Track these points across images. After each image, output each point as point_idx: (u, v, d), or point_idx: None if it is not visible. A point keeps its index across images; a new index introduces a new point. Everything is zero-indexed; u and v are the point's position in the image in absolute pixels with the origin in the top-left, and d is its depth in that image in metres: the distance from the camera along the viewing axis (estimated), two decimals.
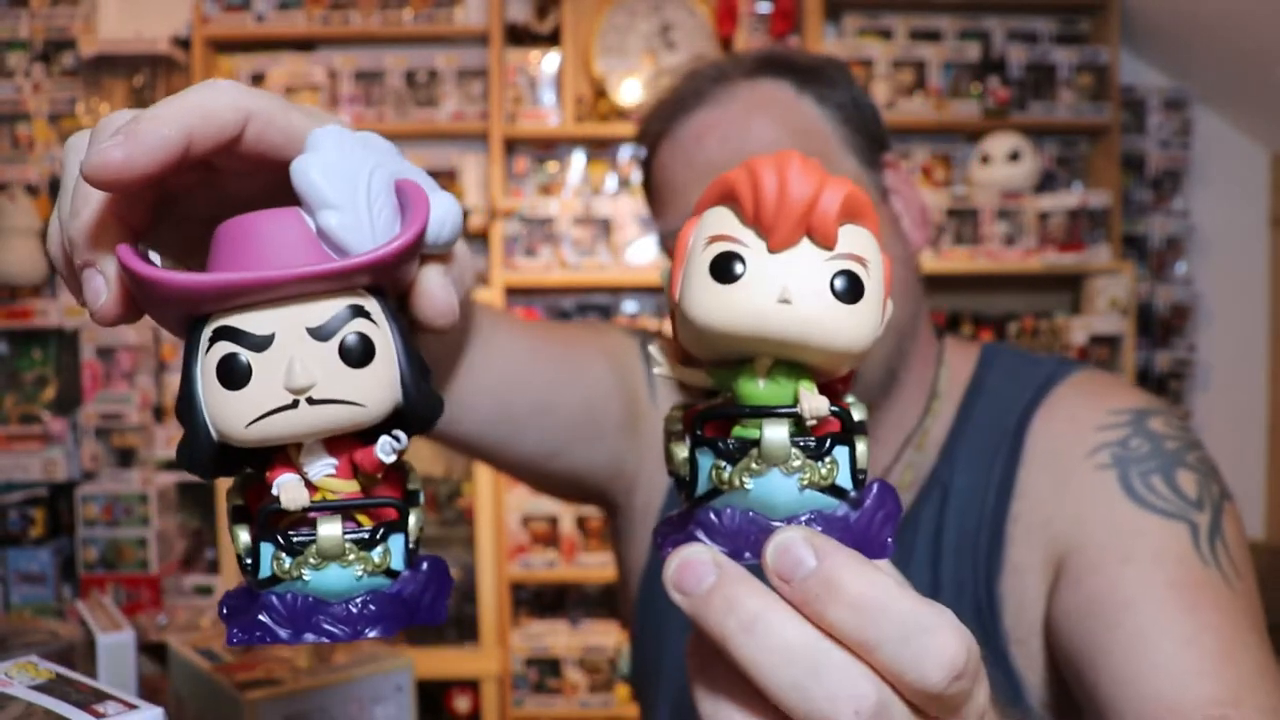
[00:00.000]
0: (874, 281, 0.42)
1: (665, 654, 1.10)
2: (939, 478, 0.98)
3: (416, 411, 0.45)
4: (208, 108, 0.44)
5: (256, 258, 0.41)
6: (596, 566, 3.55)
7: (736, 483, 0.43)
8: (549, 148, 3.78)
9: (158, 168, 0.41)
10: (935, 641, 0.38)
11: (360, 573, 0.44)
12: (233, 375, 0.41)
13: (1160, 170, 3.86)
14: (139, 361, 3.46)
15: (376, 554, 0.44)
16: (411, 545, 0.46)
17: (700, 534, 0.43)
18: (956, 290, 3.75)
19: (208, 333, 0.42)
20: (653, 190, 1.08)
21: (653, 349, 0.49)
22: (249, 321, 0.41)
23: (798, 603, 0.39)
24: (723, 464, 0.43)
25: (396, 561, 0.45)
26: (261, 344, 0.41)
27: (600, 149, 3.81)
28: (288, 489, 0.43)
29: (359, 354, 0.42)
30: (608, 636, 3.60)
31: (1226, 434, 3.91)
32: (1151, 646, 0.77)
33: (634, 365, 1.11)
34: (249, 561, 0.45)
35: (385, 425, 0.44)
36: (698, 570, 0.41)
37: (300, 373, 0.41)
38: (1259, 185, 3.94)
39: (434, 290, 0.47)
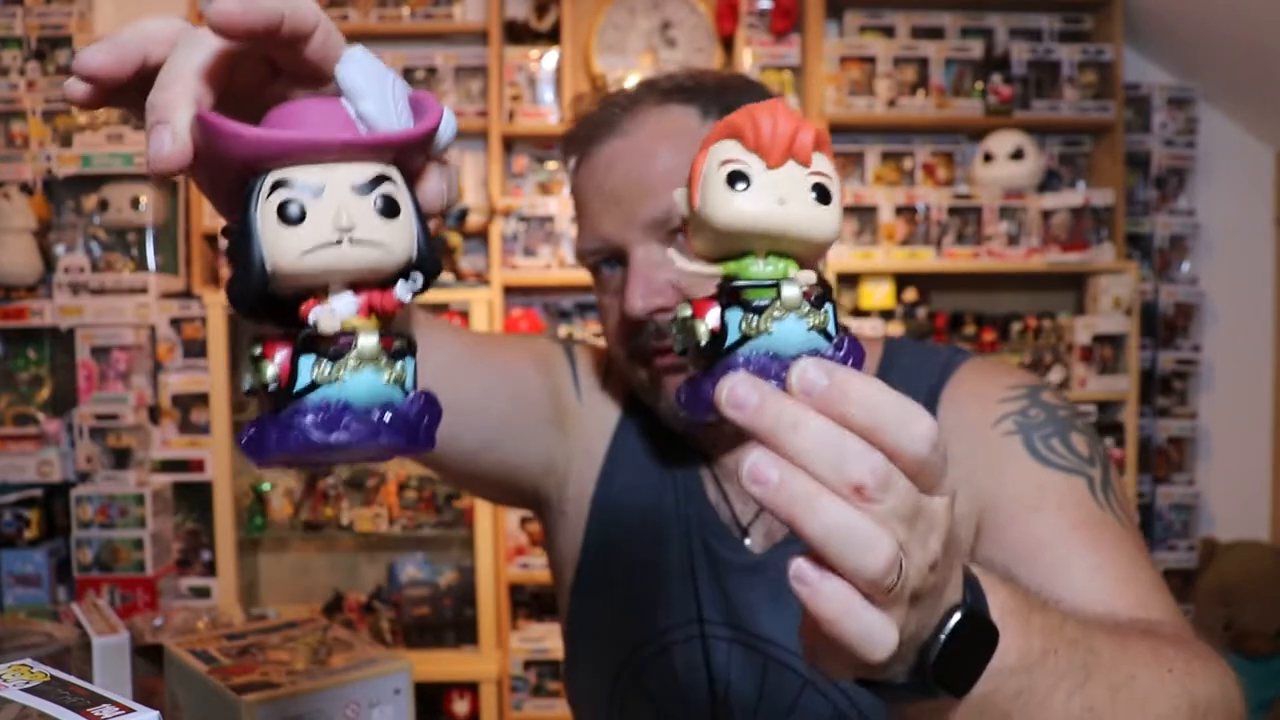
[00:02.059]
0: (837, 190, 0.58)
1: (601, 638, 1.18)
2: None
3: (426, 265, 0.55)
4: (297, 3, 0.54)
5: (303, 121, 0.52)
6: None
7: (764, 327, 0.58)
8: (548, 146, 3.76)
9: (261, 29, 0.52)
10: (920, 422, 0.54)
11: (387, 378, 0.54)
12: (290, 216, 0.50)
13: (1164, 169, 3.85)
14: (134, 362, 3.43)
15: (399, 365, 0.55)
16: (410, 371, 0.56)
17: (738, 368, 0.57)
18: (959, 290, 3.73)
19: (269, 182, 0.51)
20: (574, 206, 1.15)
21: (672, 251, 0.64)
22: (304, 175, 0.51)
23: (820, 408, 0.53)
24: (751, 316, 0.58)
25: (408, 380, 0.56)
26: (315, 192, 0.51)
27: None
28: (325, 316, 0.52)
29: (390, 208, 0.52)
30: None
31: (1231, 434, 3.90)
32: (1068, 575, 0.90)
33: (561, 369, 1.23)
34: (275, 384, 0.53)
35: (398, 276, 0.55)
36: (747, 390, 0.53)
37: (346, 216, 0.51)
38: (1264, 184, 3.92)
39: (434, 180, 0.58)
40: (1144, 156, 3.84)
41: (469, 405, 1.11)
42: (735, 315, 0.58)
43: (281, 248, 0.51)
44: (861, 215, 3.64)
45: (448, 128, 0.57)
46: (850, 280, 3.60)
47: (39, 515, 3.42)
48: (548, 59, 3.66)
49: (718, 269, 0.60)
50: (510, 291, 3.65)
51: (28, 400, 3.55)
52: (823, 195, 0.57)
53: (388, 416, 0.54)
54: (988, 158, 3.64)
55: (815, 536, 0.52)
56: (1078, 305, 3.76)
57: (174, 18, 0.58)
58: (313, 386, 0.52)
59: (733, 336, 0.58)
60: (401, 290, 0.54)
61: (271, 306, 0.54)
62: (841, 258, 3.54)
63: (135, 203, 3.46)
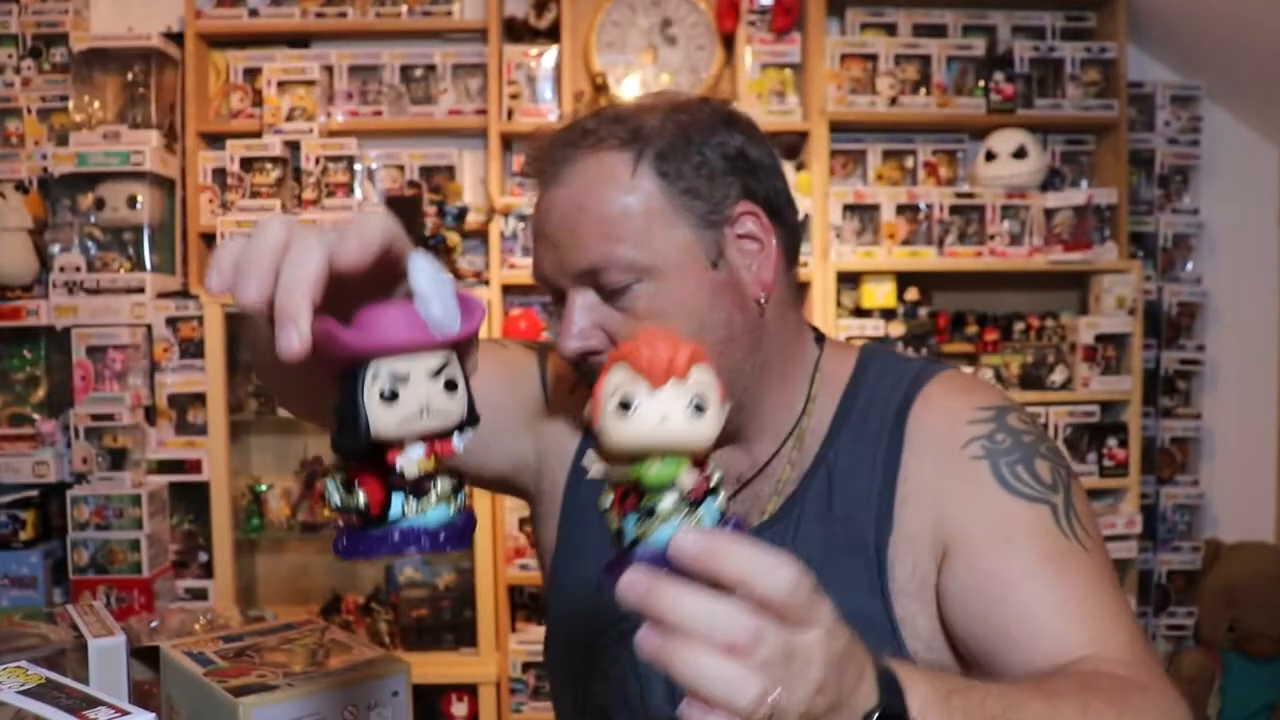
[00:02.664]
0: (714, 399, 0.70)
1: (570, 622, 1.29)
2: (823, 459, 1.15)
3: (473, 422, 0.76)
4: (389, 229, 0.70)
5: (393, 329, 0.70)
6: None
7: (648, 533, 0.71)
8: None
9: (370, 261, 0.69)
10: (780, 571, 0.65)
11: (451, 509, 0.75)
12: (388, 397, 0.70)
13: (1168, 167, 3.84)
14: (131, 361, 3.42)
15: (459, 498, 0.76)
16: (462, 499, 0.77)
17: (634, 565, 0.69)
18: (961, 289, 3.72)
19: (372, 371, 0.70)
20: None
21: (586, 460, 0.76)
22: (395, 366, 0.70)
23: (699, 573, 0.66)
24: (640, 522, 0.71)
25: (460, 501, 0.76)
26: (403, 379, 0.70)
27: None
28: (409, 465, 0.72)
29: (451, 386, 0.72)
30: None
31: (1235, 435, 3.89)
32: (1034, 616, 0.98)
33: (530, 376, 1.34)
34: (362, 510, 0.73)
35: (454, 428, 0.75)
36: (638, 584, 0.67)
37: (425, 397, 0.71)
38: (1269, 182, 3.91)
39: (473, 353, 0.78)
40: (1147, 155, 3.82)
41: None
42: (630, 522, 0.72)
43: (382, 420, 0.70)
44: (863, 214, 3.63)
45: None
46: (852, 279, 3.59)
47: (34, 516, 3.40)
48: (547, 57, 3.64)
49: (626, 470, 0.71)
50: (509, 291, 3.63)
51: (23, 400, 3.53)
52: (699, 407, 0.69)
53: (447, 533, 0.75)
54: (990, 156, 3.62)
55: (691, 684, 0.64)
56: (1081, 305, 3.74)
57: (278, 220, 0.70)
58: (402, 517, 0.73)
59: (629, 538, 0.72)
60: (457, 441, 0.75)
61: (370, 448, 0.72)
62: (843, 257, 3.53)
63: (131, 201, 3.45)
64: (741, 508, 1.18)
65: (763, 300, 1.15)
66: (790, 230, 1.19)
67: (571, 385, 1.31)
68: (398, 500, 0.73)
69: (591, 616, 1.23)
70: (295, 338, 0.65)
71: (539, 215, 1.15)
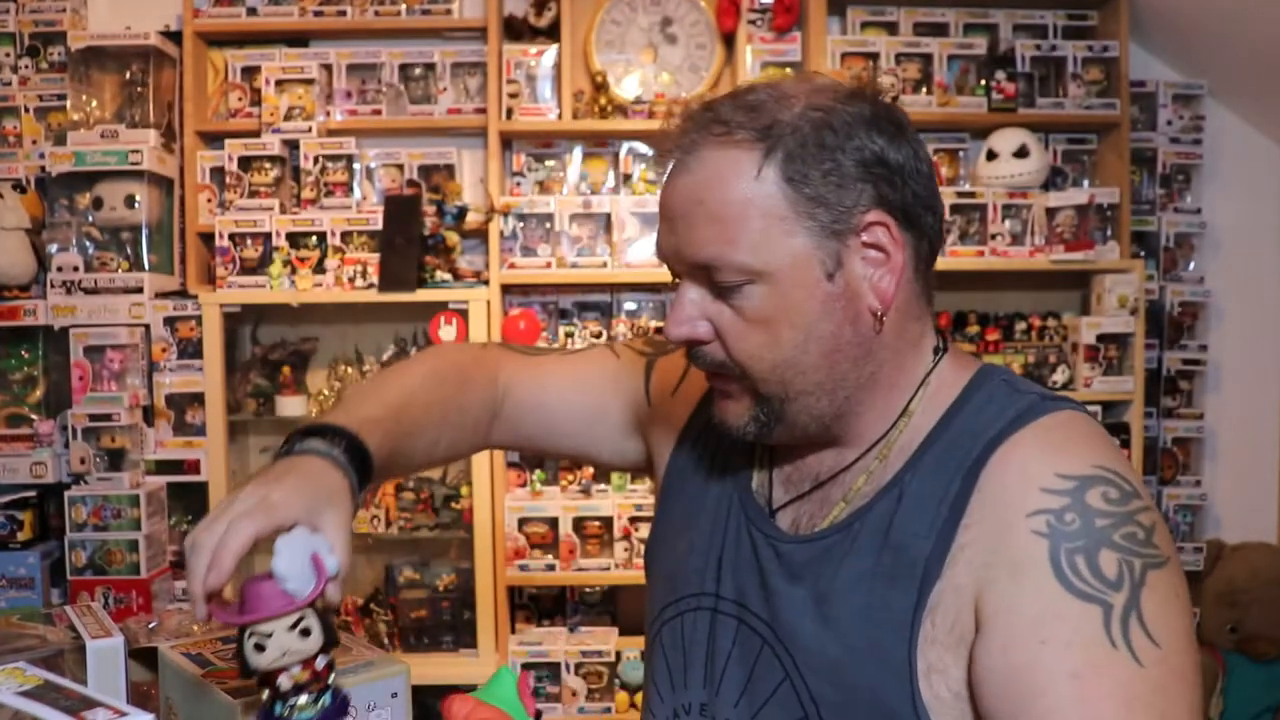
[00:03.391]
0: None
1: (650, 589, 1.38)
2: (900, 480, 1.09)
3: (330, 642, 0.99)
4: (244, 543, 0.96)
5: (264, 601, 0.95)
6: (595, 570, 3.51)
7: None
8: (547, 144, 3.74)
9: (227, 578, 0.96)
10: None
11: (317, 707, 1.00)
12: (260, 648, 0.95)
13: (1171, 166, 3.83)
14: (129, 361, 3.41)
15: (324, 696, 1.00)
16: (332, 694, 1.02)
17: None
18: (962, 288, 3.71)
19: (248, 632, 0.95)
20: None
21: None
22: (264, 628, 0.95)
23: None
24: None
25: (328, 700, 1.01)
26: (269, 635, 0.95)
27: (599, 145, 3.76)
28: (285, 679, 0.97)
29: (305, 632, 0.96)
30: (606, 642, 3.55)
31: (1238, 435, 3.88)
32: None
33: (636, 385, 1.43)
34: (268, 702, 0.99)
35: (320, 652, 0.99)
36: None
37: (285, 646, 0.96)
38: (1272, 181, 3.90)
39: (331, 590, 1.00)
40: (1150, 154, 3.81)
41: (567, 427, 1.45)
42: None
43: (256, 661, 0.95)
44: None
45: (335, 576, 1.00)
46: None
47: (32, 517, 3.39)
48: (547, 56, 3.64)
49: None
50: (509, 290, 3.63)
51: (21, 401, 3.52)
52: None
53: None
54: (991, 155, 3.61)
55: None
56: (1083, 305, 3.73)
57: (190, 545, 0.99)
58: (281, 711, 0.99)
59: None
60: (320, 661, 0.99)
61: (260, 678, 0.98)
62: None
63: (130, 201, 3.44)
64: (808, 508, 1.17)
65: (879, 313, 1.10)
66: (927, 237, 1.13)
67: (672, 389, 1.39)
68: (279, 706, 0.98)
69: (662, 588, 1.30)
70: (202, 612, 0.96)
71: (664, 196, 1.12)
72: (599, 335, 3.62)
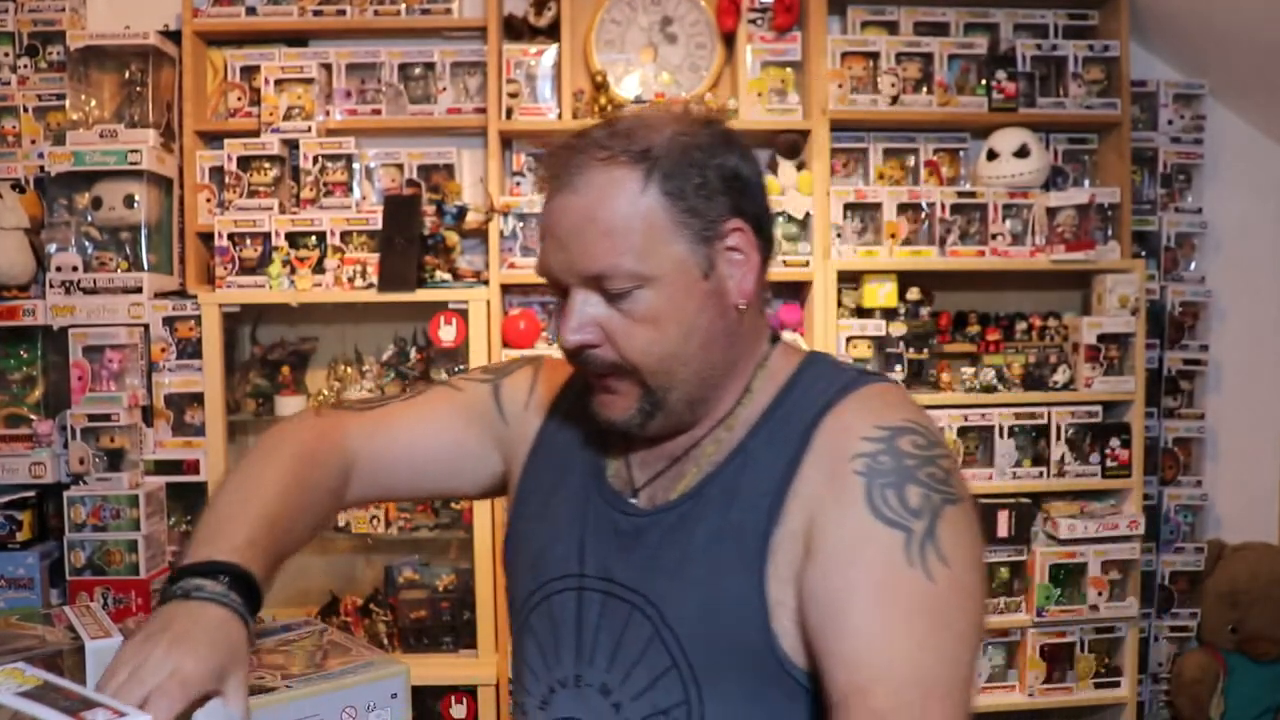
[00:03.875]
0: None
1: (512, 580, 1.45)
2: (745, 447, 1.27)
3: None
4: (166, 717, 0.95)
5: None
6: None
7: None
8: (547, 143, 3.71)
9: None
10: None
11: None
12: None
13: (1171, 166, 3.83)
14: (128, 361, 3.40)
15: None
16: None
17: None
18: (963, 288, 3.70)
19: None
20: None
21: None
22: None
23: None
24: None
25: None
26: None
27: None
28: None
29: None
30: None
31: (1239, 435, 3.88)
32: (847, 638, 1.07)
33: (487, 412, 1.51)
34: None
35: None
36: None
37: None
38: (1273, 181, 3.90)
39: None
40: (1151, 154, 3.82)
41: (428, 469, 1.49)
42: None
43: None
44: (864, 213, 3.61)
45: None
46: (853, 279, 3.57)
47: (31, 517, 3.39)
48: (547, 55, 3.63)
49: None
50: (508, 290, 3.62)
51: (20, 401, 3.51)
52: None
53: None
54: (992, 155, 3.61)
55: None
56: (1083, 304, 3.73)
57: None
58: None
59: None
60: None
61: None
62: (844, 257, 3.51)
63: (129, 200, 3.43)
64: (664, 483, 1.31)
65: (742, 307, 1.27)
66: (769, 242, 1.31)
67: (524, 405, 1.51)
68: None
69: (527, 576, 1.38)
70: None
71: (550, 216, 1.24)
72: None
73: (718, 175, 1.24)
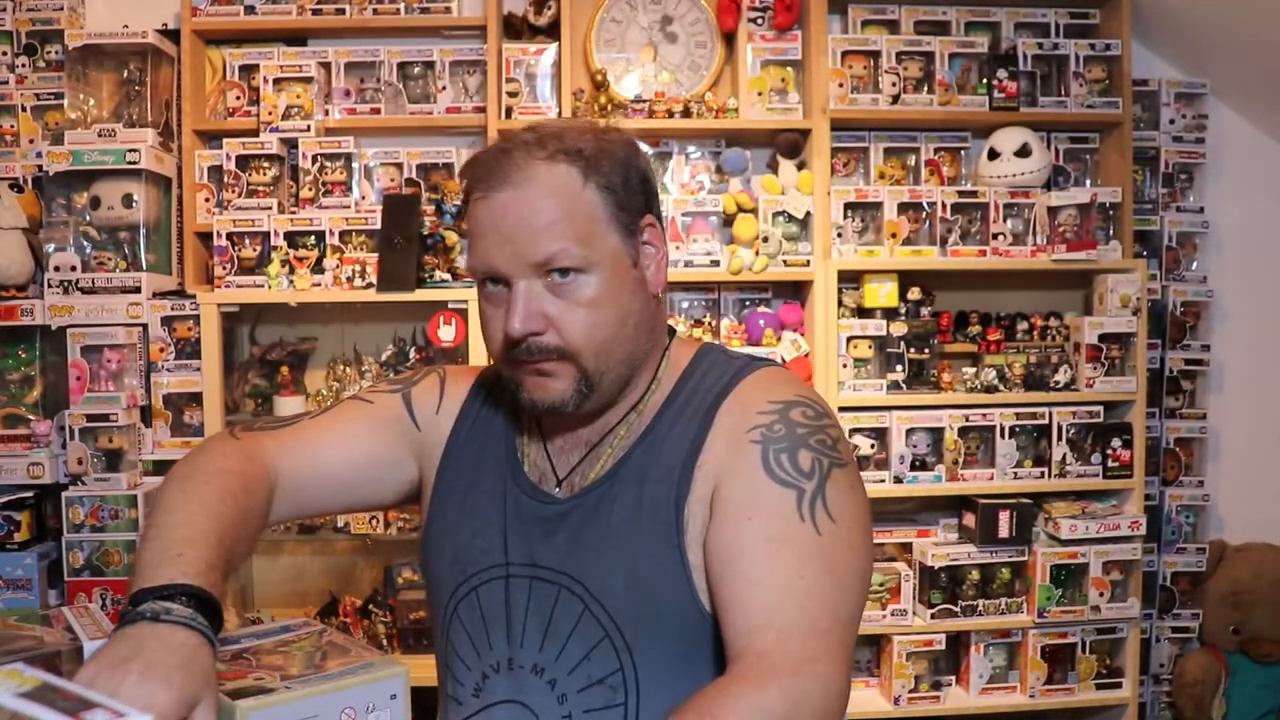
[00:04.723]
0: None
1: (443, 574, 1.49)
2: (651, 431, 1.39)
3: None
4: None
5: None
6: None
7: None
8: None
9: None
10: None
11: None
12: None
13: (1173, 165, 3.82)
14: (126, 361, 3.39)
15: None
16: None
17: None
18: (964, 288, 3.70)
19: None
20: (468, 224, 1.40)
21: None
22: None
23: None
24: None
25: None
26: None
27: None
28: None
29: None
30: None
31: (1241, 436, 3.88)
32: (741, 585, 1.19)
33: (400, 416, 1.57)
34: None
35: None
36: None
37: None
38: (1275, 180, 3.90)
39: None
40: (1152, 153, 3.81)
41: (349, 478, 1.53)
42: None
43: None
44: (865, 213, 3.60)
45: None
46: (853, 279, 3.56)
47: (29, 517, 3.38)
48: (546, 55, 3.62)
49: None
50: None
51: (18, 401, 3.51)
52: None
53: None
54: (993, 154, 3.60)
55: None
56: (1085, 304, 3.73)
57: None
58: None
59: None
60: None
61: None
62: (845, 256, 3.50)
63: (127, 200, 3.42)
64: (581, 469, 1.41)
65: (658, 295, 1.42)
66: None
67: (435, 410, 1.58)
68: None
69: (451, 572, 1.45)
70: None
71: (490, 215, 1.32)
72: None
73: (636, 176, 1.38)
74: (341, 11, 3.59)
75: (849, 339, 3.48)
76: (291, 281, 3.42)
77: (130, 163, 3.38)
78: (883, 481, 3.46)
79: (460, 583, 1.43)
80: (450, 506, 1.50)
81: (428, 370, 1.66)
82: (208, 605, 1.09)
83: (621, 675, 1.30)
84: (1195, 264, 3.85)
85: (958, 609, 3.48)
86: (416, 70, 3.70)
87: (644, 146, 3.68)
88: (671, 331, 1.52)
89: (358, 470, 1.54)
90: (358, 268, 3.40)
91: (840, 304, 3.53)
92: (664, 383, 1.44)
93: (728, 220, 3.56)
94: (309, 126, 3.56)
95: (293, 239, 3.46)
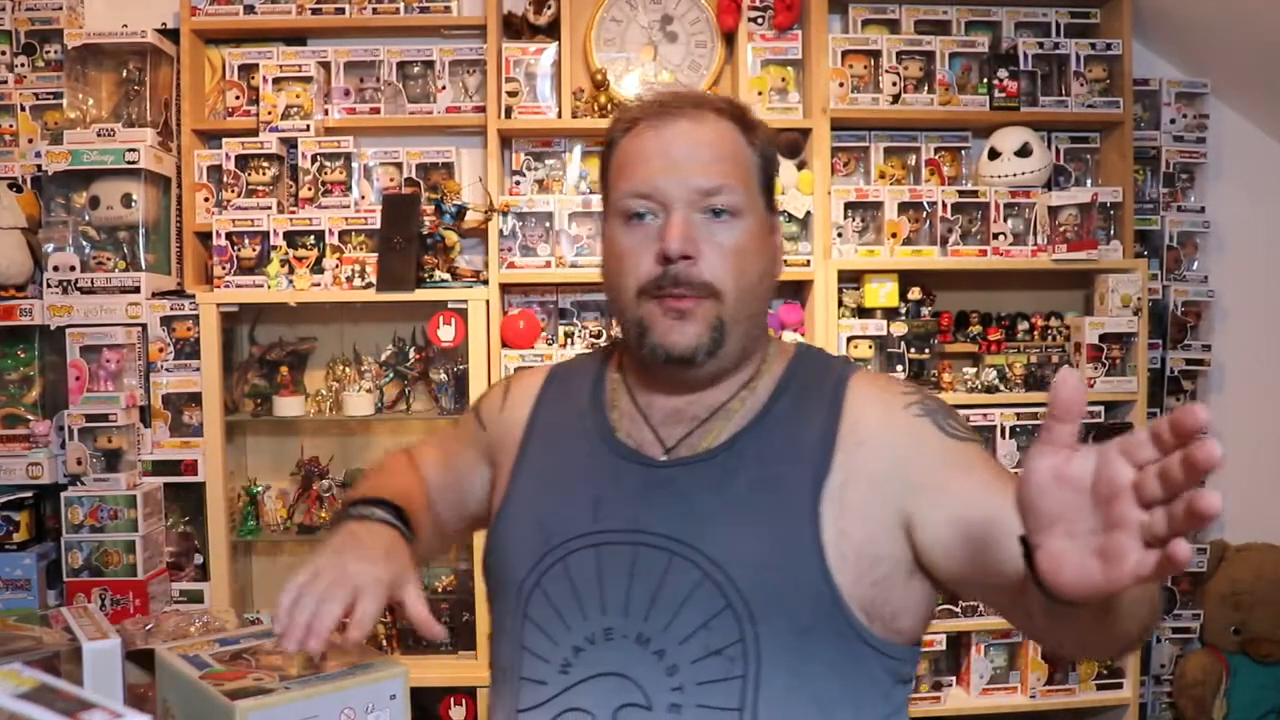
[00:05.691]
0: None
1: (522, 549, 1.46)
2: (770, 410, 1.41)
3: None
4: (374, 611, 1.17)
5: None
6: None
7: None
8: (547, 143, 3.72)
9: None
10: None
11: None
12: None
13: (1174, 165, 3.82)
14: (125, 361, 3.38)
15: None
16: None
17: None
18: (964, 288, 3.70)
19: None
20: (616, 160, 1.44)
21: None
22: None
23: None
24: None
25: None
26: None
27: (599, 144, 3.73)
28: None
29: None
30: None
31: (1241, 436, 3.86)
32: (1006, 510, 1.13)
33: (470, 426, 1.66)
34: None
35: None
36: None
37: None
38: (1276, 180, 3.90)
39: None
40: (1153, 153, 3.81)
41: (441, 500, 1.61)
42: None
43: None
44: (865, 213, 3.60)
45: None
46: (854, 278, 3.56)
47: (28, 518, 3.37)
48: (546, 54, 3.62)
49: None
50: (508, 290, 3.61)
51: (17, 401, 3.50)
52: None
53: None
54: (994, 154, 3.60)
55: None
56: (1085, 304, 3.73)
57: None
58: None
59: None
60: None
61: None
62: (845, 256, 3.50)
63: (126, 200, 3.42)
64: (690, 441, 1.41)
65: (778, 277, 1.47)
66: None
67: (499, 408, 1.62)
68: None
69: (538, 541, 1.41)
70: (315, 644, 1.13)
71: (659, 140, 1.37)
72: (599, 335, 3.60)
73: (774, 168, 1.46)
74: (341, 11, 3.58)
75: (849, 339, 3.47)
76: (291, 281, 3.41)
77: (129, 162, 3.38)
78: None
79: (544, 554, 1.40)
80: (532, 483, 1.49)
81: (496, 383, 1.74)
82: (404, 519, 1.36)
83: (742, 646, 1.27)
84: (1196, 264, 3.85)
85: (958, 609, 3.48)
86: (416, 70, 3.69)
87: None
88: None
89: (450, 487, 1.64)
90: (357, 267, 3.40)
91: (840, 304, 3.53)
92: (773, 367, 1.47)
93: None
94: (308, 126, 3.56)
95: (292, 239, 3.45)
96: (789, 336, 3.50)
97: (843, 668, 1.30)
